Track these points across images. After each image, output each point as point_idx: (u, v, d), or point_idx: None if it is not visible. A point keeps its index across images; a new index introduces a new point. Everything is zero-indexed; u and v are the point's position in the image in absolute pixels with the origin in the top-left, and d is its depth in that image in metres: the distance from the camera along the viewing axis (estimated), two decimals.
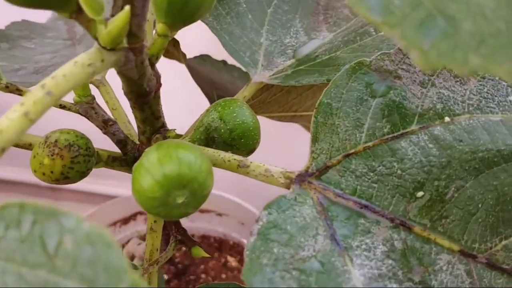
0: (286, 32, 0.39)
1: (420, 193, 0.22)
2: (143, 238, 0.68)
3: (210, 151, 0.27)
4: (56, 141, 0.26)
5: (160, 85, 0.26)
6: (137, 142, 0.32)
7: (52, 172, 0.26)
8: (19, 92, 0.28)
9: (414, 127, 0.23)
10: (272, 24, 0.39)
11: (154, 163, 0.23)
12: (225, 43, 0.36)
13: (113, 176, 1.16)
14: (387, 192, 0.23)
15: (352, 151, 0.23)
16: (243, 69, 0.37)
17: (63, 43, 0.49)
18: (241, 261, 0.82)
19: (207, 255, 0.30)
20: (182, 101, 0.75)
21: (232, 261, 0.83)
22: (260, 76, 0.36)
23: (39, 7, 0.19)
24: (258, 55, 0.37)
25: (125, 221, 0.88)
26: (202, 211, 0.88)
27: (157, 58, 0.25)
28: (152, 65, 0.25)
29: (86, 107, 0.29)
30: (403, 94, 0.24)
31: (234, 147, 0.31)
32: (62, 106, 0.29)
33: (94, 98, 0.30)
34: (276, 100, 0.40)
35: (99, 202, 0.87)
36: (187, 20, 0.25)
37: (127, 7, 0.19)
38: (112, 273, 0.12)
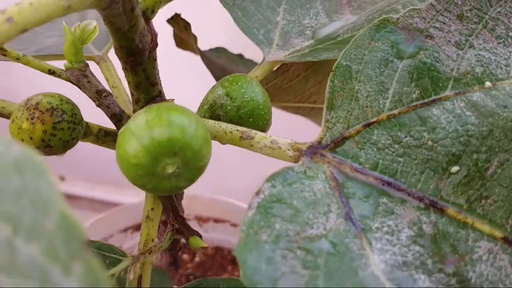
0: (306, 13, 0.36)
1: (455, 168, 0.18)
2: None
3: (210, 122, 0.23)
4: (37, 103, 0.23)
5: (156, 44, 0.23)
6: (129, 114, 0.29)
7: (31, 138, 0.23)
8: (3, 52, 0.25)
9: (448, 92, 0.20)
10: (290, 4, 0.36)
11: (141, 126, 0.20)
12: (237, 18, 0.32)
13: (132, 187, 1.14)
14: (415, 167, 0.19)
15: (374, 119, 0.20)
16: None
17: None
18: None
19: (205, 245, 0.26)
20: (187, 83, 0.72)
21: None
22: (275, 55, 0.32)
23: None
24: (273, 34, 0.34)
25: (137, 227, 0.85)
26: (217, 221, 0.85)
27: (153, 12, 0.22)
28: (147, 19, 0.22)
29: (78, 74, 0.26)
30: (436, 56, 0.20)
31: (240, 126, 0.28)
32: (51, 72, 0.26)
33: (87, 65, 0.27)
34: (293, 87, 0.37)
35: None
36: None
37: None
38: (38, 206, 0.09)
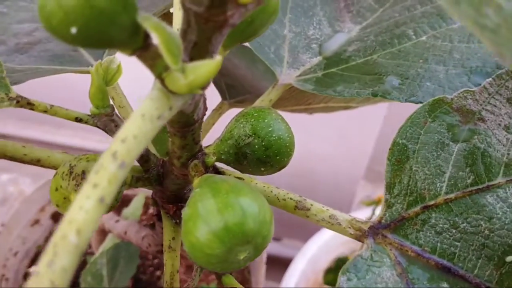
0: (309, 22, 0.35)
1: (510, 258, 0.20)
2: (116, 212, 0.64)
3: (260, 184, 0.24)
4: (83, 172, 0.22)
5: (206, 109, 0.23)
6: (156, 154, 0.28)
7: None
8: (31, 106, 0.23)
9: (500, 179, 0.21)
10: (295, 12, 0.35)
11: (213, 215, 0.20)
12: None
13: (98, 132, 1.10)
14: (471, 253, 0.21)
15: (432, 202, 0.21)
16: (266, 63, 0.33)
17: None
18: None
19: (239, 285, 0.27)
20: None
21: None
22: (287, 76, 0.32)
23: (99, 47, 0.15)
24: (283, 50, 0.33)
25: None
26: None
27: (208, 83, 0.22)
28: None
29: (105, 120, 0.25)
30: (488, 141, 0.21)
31: (267, 164, 0.28)
32: (78, 120, 0.25)
33: (113, 108, 0.26)
34: (295, 96, 0.37)
35: None
36: (246, 39, 0.22)
37: (218, 58, 0.15)
38: None
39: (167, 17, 0.38)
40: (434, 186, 0.21)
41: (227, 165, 0.28)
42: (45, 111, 0.24)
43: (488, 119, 0.22)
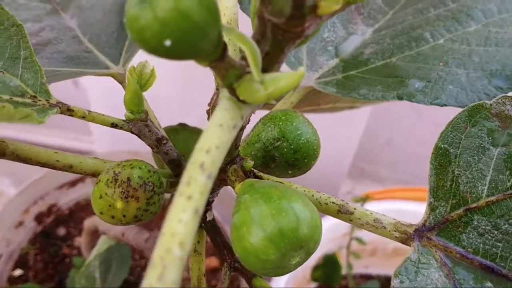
0: (324, 24, 0.36)
1: None
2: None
3: (301, 189, 0.24)
4: (129, 179, 0.22)
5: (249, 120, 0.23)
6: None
7: (124, 216, 0.22)
8: (70, 112, 0.23)
9: None
10: None
11: (268, 220, 0.20)
12: None
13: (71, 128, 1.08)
14: None
15: (474, 205, 0.22)
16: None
17: (42, 7, 0.42)
18: None
19: (270, 286, 0.28)
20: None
21: None
22: (307, 79, 0.33)
23: (185, 58, 0.15)
24: (301, 53, 0.34)
25: (73, 183, 0.82)
26: None
27: None
28: None
29: (140, 125, 0.25)
30: None
31: (295, 167, 0.28)
32: (114, 125, 0.25)
33: (147, 113, 0.25)
34: (309, 98, 0.38)
35: None
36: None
37: (301, 69, 0.15)
38: None
39: None
40: (476, 189, 0.22)
41: (254, 168, 0.28)
42: (83, 117, 0.23)
43: None
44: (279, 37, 0.16)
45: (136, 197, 0.22)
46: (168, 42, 0.14)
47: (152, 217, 0.23)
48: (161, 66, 0.26)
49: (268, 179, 0.26)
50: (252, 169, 0.26)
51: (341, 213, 0.23)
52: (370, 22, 0.37)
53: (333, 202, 0.23)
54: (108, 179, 0.22)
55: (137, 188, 0.22)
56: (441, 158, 0.22)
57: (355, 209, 0.23)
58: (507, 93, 0.30)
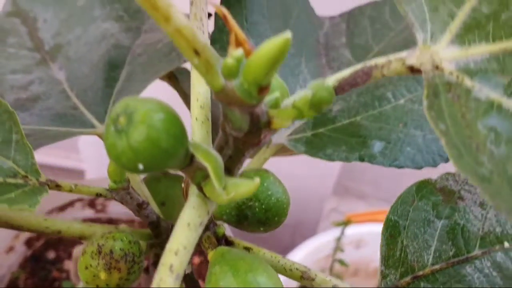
0: (296, 81, 0.39)
1: None
2: None
3: (268, 254, 0.27)
4: (111, 252, 0.24)
5: None
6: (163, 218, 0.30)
7: (107, 285, 0.24)
8: (58, 188, 0.25)
9: (477, 251, 0.25)
10: (283, 72, 0.38)
11: None
12: None
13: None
14: None
15: (420, 273, 0.25)
16: None
17: (31, 56, 0.44)
18: None
19: None
20: None
21: None
22: (279, 136, 0.35)
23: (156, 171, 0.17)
24: None
25: (62, 208, 0.83)
26: None
27: None
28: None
29: (123, 193, 0.27)
30: (467, 217, 0.25)
31: (266, 224, 0.31)
32: (99, 195, 0.27)
33: (129, 181, 0.28)
34: (282, 149, 0.40)
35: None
36: None
37: (257, 181, 0.18)
38: None
39: (170, 78, 0.40)
40: (422, 258, 0.25)
41: (228, 224, 0.31)
42: (70, 190, 0.26)
43: (466, 198, 0.25)
44: (240, 146, 0.19)
45: (118, 268, 0.24)
46: (141, 166, 0.16)
47: (131, 283, 0.25)
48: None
49: (239, 244, 0.28)
50: (224, 234, 0.28)
51: (304, 278, 0.25)
52: None
53: (296, 269, 0.26)
54: (92, 251, 0.24)
55: (119, 259, 0.24)
56: (392, 229, 0.25)
57: (316, 275, 0.25)
58: None
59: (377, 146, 0.32)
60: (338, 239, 0.80)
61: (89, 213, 0.82)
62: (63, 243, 0.84)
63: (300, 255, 0.81)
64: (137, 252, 0.25)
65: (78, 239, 0.28)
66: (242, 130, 0.18)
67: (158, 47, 0.37)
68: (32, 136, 0.33)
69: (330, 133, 0.35)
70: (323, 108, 0.18)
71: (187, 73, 0.46)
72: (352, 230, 0.81)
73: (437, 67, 0.17)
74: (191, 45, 0.16)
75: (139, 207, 0.28)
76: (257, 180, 0.18)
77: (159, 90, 0.36)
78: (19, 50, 0.45)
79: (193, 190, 0.20)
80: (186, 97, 0.41)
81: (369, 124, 0.34)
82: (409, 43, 0.38)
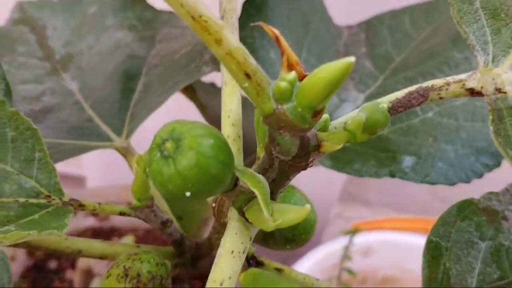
0: None
1: None
2: None
3: (300, 276, 0.25)
4: (138, 275, 0.23)
5: None
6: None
7: None
8: (82, 207, 0.24)
9: None
10: None
11: None
12: None
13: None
14: None
15: None
16: None
17: (42, 66, 0.43)
18: None
19: None
20: None
21: None
22: None
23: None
24: None
25: None
26: None
27: None
28: None
29: (147, 211, 0.26)
30: (511, 238, 0.24)
31: (293, 242, 0.29)
32: (122, 213, 0.26)
33: (153, 199, 0.27)
34: None
35: None
36: None
37: (308, 207, 0.17)
38: None
39: (186, 89, 0.39)
40: (466, 282, 0.23)
41: (254, 242, 0.30)
42: (94, 210, 0.24)
43: (510, 218, 0.24)
44: (286, 169, 0.18)
45: None
46: (188, 193, 0.15)
47: None
48: None
49: (269, 265, 0.27)
50: (254, 254, 0.27)
51: None
52: (361, 87, 0.39)
53: None
54: (118, 274, 0.23)
55: (146, 282, 0.23)
56: (433, 251, 0.24)
57: None
58: (492, 170, 0.31)
59: (407, 161, 0.31)
60: (346, 248, 0.79)
61: (91, 221, 0.80)
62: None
63: (307, 264, 0.79)
64: (165, 274, 0.24)
65: (98, 258, 0.27)
66: (290, 154, 0.17)
67: (176, 58, 0.36)
68: (48, 151, 0.31)
69: (357, 147, 0.34)
70: (378, 132, 0.17)
71: (203, 84, 0.45)
72: (359, 239, 0.80)
73: (499, 90, 0.16)
74: (242, 68, 0.15)
75: (163, 225, 0.27)
76: (307, 206, 0.17)
77: (171, 100, 0.35)
78: (29, 59, 0.44)
79: (233, 214, 0.19)
80: (203, 109, 0.40)
81: (397, 138, 0.33)
82: (434, 54, 0.37)
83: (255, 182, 0.16)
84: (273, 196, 0.19)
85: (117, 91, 0.37)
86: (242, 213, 0.18)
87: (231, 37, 0.15)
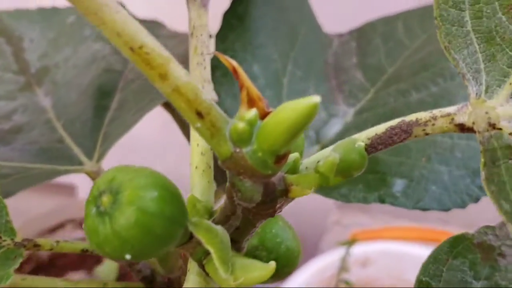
0: None
1: None
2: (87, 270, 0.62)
3: None
4: None
5: None
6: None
7: None
8: (37, 248, 0.22)
9: None
10: (290, 98, 0.35)
11: None
12: None
13: None
14: None
15: None
16: None
17: (15, 80, 0.41)
18: None
19: None
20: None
21: None
22: None
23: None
24: None
25: (52, 230, 0.80)
26: None
27: None
28: None
29: None
30: (509, 277, 0.22)
31: (274, 277, 0.27)
32: (85, 251, 0.24)
33: None
34: None
35: None
36: None
37: (273, 265, 0.15)
38: None
39: (165, 104, 0.37)
40: None
41: None
42: (51, 249, 0.22)
43: (508, 254, 0.22)
44: (250, 217, 0.16)
45: None
46: (128, 256, 0.13)
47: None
48: None
49: None
50: None
51: None
52: (351, 101, 0.36)
53: None
54: None
55: None
56: None
57: None
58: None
59: (398, 184, 0.29)
60: (343, 259, 0.76)
61: (80, 234, 0.78)
62: (54, 267, 0.80)
63: (304, 276, 0.77)
64: None
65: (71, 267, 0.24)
66: (254, 201, 0.15)
67: None
68: (12, 176, 0.29)
69: None
70: (354, 174, 0.15)
71: None
72: (357, 249, 0.78)
73: (493, 126, 0.14)
74: (193, 106, 0.13)
75: (130, 263, 0.25)
76: (272, 264, 0.15)
77: (155, 113, 0.33)
78: (4, 73, 0.42)
79: (193, 267, 0.16)
80: (184, 126, 0.38)
81: (387, 158, 0.31)
82: (427, 65, 0.35)
83: (210, 238, 0.14)
84: (237, 246, 0.17)
85: (90, 108, 0.34)
86: (202, 266, 0.16)
87: (179, 70, 0.13)
